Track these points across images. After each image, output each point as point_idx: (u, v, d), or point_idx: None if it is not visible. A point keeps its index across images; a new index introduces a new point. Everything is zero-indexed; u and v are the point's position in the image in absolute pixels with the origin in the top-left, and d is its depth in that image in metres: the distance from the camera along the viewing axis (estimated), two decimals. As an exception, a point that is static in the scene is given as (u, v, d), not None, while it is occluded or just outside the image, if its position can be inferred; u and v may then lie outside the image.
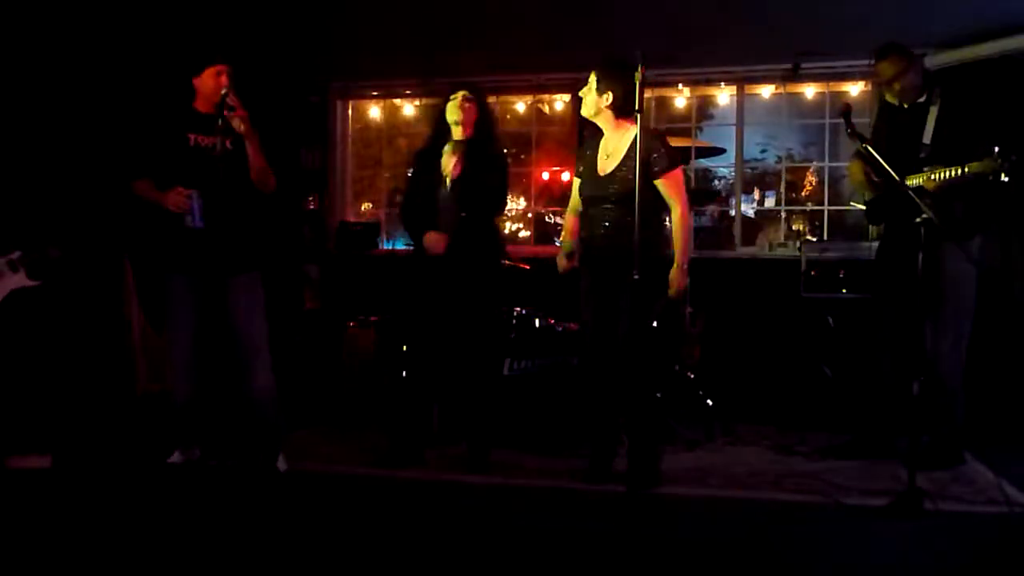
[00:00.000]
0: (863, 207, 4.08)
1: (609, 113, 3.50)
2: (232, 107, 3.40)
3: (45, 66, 5.25)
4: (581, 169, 3.65)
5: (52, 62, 5.25)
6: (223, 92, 3.44)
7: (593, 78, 3.51)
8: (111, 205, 5.13)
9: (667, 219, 3.53)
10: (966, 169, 3.49)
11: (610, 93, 3.46)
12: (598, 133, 3.63)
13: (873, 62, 3.90)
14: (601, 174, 3.53)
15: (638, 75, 3.21)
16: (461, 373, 3.87)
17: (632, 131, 3.46)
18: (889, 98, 3.98)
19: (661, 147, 3.45)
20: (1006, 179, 3.39)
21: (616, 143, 3.52)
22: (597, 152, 3.59)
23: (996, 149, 3.39)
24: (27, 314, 4.49)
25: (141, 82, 5.37)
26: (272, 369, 3.69)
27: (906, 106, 3.89)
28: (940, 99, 3.78)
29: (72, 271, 4.85)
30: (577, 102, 5.78)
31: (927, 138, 3.75)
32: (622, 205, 3.39)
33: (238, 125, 3.42)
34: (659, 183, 3.44)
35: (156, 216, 3.53)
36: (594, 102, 3.50)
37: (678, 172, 3.48)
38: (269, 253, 3.81)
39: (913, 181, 3.63)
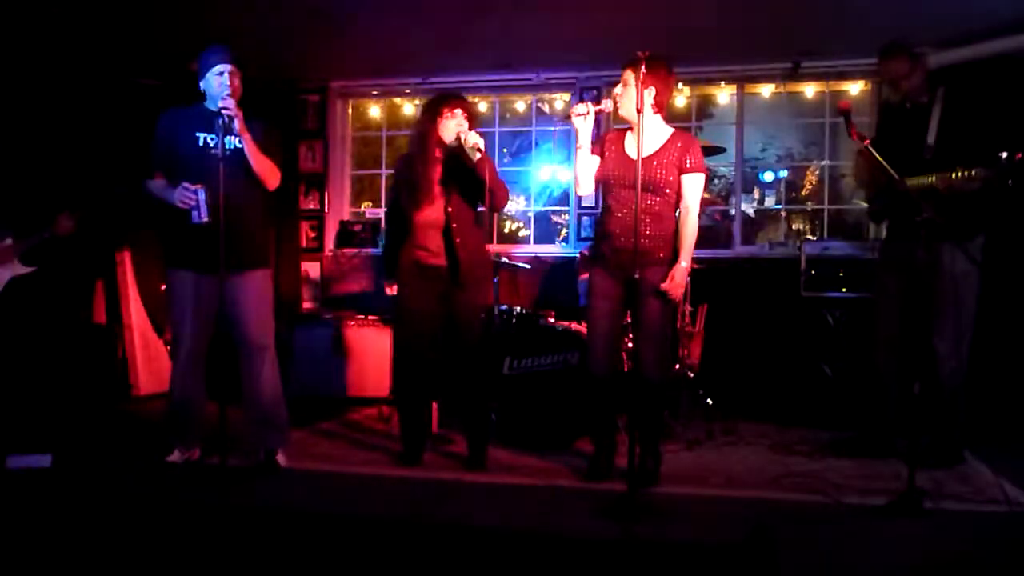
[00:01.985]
0: (865, 204, 4.08)
1: (648, 110, 3.43)
2: (227, 108, 3.41)
3: (49, 64, 5.27)
4: (604, 152, 3.58)
5: (56, 60, 5.27)
6: (227, 94, 3.46)
7: (630, 76, 3.44)
8: (111, 203, 5.16)
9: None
10: (971, 172, 3.49)
11: (653, 88, 3.41)
12: (617, 132, 3.63)
13: (878, 61, 3.89)
14: (632, 159, 3.47)
15: (639, 75, 3.20)
16: (458, 372, 3.86)
17: (667, 128, 3.52)
18: (892, 98, 3.98)
19: (697, 147, 3.50)
20: (1011, 182, 3.39)
21: (651, 136, 3.47)
22: (624, 142, 3.57)
23: (1003, 155, 3.39)
24: (27, 313, 4.50)
25: (147, 84, 5.40)
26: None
27: (908, 105, 3.89)
28: (944, 99, 3.77)
29: (69, 265, 4.86)
30: (577, 102, 5.87)
31: (931, 138, 3.74)
32: (649, 192, 3.39)
33: (232, 126, 3.44)
34: (687, 178, 3.46)
35: (164, 212, 3.55)
36: (635, 99, 3.36)
37: (704, 176, 3.51)
38: (275, 251, 3.82)
39: (924, 180, 3.63)
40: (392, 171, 4.05)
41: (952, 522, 3.07)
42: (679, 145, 3.46)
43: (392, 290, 3.92)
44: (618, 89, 3.51)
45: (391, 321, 3.97)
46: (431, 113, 3.73)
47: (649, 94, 3.43)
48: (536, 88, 6.12)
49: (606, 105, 3.54)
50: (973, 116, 3.74)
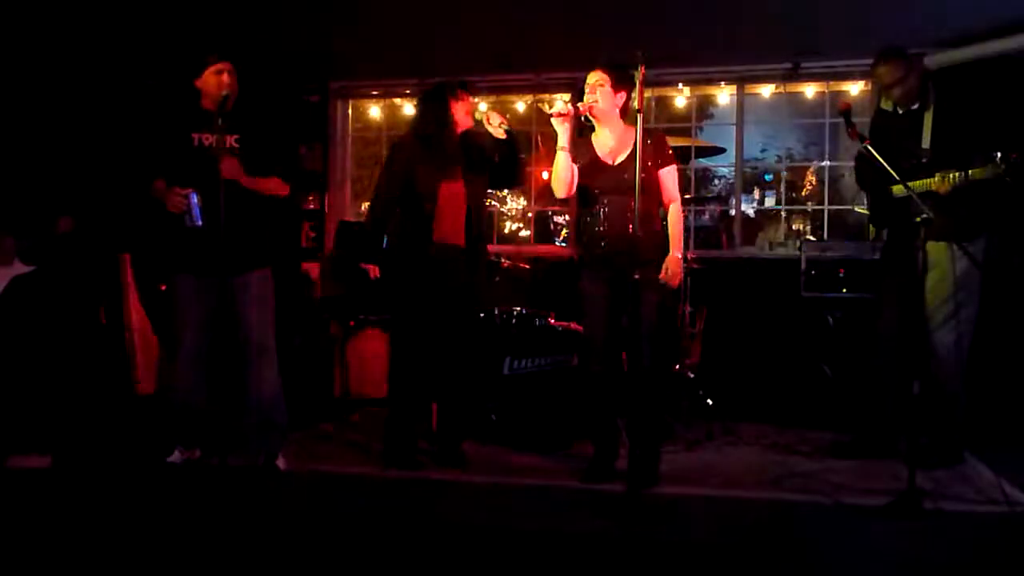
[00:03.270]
0: (866, 212, 4.08)
1: (615, 114, 3.51)
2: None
3: (49, 64, 5.27)
4: (577, 159, 3.59)
5: (56, 60, 5.26)
6: (224, 93, 3.46)
7: (606, 78, 3.47)
8: (110, 204, 5.16)
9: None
10: (969, 174, 3.49)
11: (624, 92, 3.47)
12: (587, 131, 3.64)
13: (873, 66, 3.88)
14: (610, 163, 3.53)
15: (638, 75, 3.21)
16: (449, 370, 3.89)
17: (635, 128, 3.49)
18: (884, 104, 3.98)
19: (665, 141, 3.59)
20: (1009, 180, 3.40)
21: (621, 138, 3.52)
22: (592, 147, 3.59)
23: (998, 154, 3.39)
24: (26, 312, 4.49)
25: (145, 83, 5.40)
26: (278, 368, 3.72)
27: (901, 111, 3.89)
28: (935, 102, 3.77)
29: (69, 264, 4.86)
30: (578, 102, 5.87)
31: (926, 142, 3.74)
32: (634, 195, 3.38)
33: (228, 170, 3.46)
34: (663, 173, 3.52)
35: (162, 217, 3.55)
36: (611, 101, 3.47)
37: (677, 166, 3.60)
38: (276, 250, 3.82)
39: (922, 184, 3.62)
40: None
41: (952, 522, 3.06)
42: (649, 143, 3.47)
43: (376, 271, 3.94)
44: (591, 92, 3.50)
45: (394, 318, 3.93)
46: (445, 96, 3.80)
47: (620, 98, 3.49)
48: (536, 88, 6.11)
49: (582, 106, 3.54)
50: (969, 118, 3.74)
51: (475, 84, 4.10)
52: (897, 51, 3.81)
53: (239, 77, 3.58)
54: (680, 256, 3.49)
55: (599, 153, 3.57)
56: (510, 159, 3.81)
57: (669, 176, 3.55)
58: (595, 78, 3.50)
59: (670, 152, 3.57)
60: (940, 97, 3.79)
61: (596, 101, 3.49)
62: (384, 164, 3.99)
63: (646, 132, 3.52)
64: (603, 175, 3.53)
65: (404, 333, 3.88)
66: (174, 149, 3.56)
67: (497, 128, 3.70)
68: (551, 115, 3.49)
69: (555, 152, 3.52)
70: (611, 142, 3.56)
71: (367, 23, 4.91)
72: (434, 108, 3.84)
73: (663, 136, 3.62)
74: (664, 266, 3.44)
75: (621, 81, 3.48)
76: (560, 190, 3.61)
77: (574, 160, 3.57)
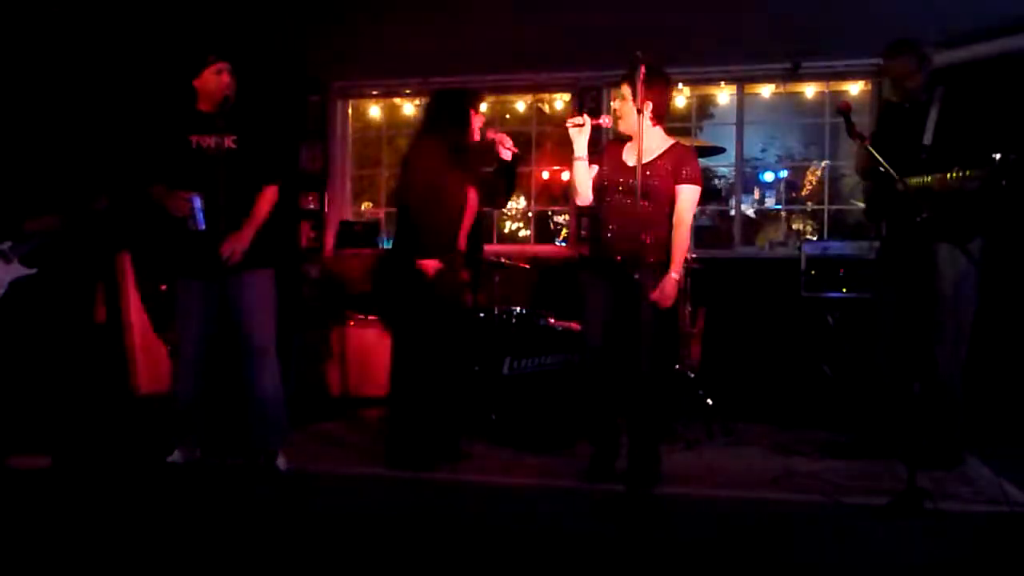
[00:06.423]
0: (862, 204, 4.08)
1: (647, 122, 3.41)
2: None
3: (46, 64, 5.26)
4: (603, 161, 3.60)
5: (54, 60, 5.26)
6: (224, 94, 3.46)
7: (627, 90, 3.44)
8: (110, 205, 5.16)
9: None
10: (967, 172, 3.49)
11: (650, 103, 3.39)
12: (617, 142, 3.64)
13: (884, 58, 3.86)
14: (627, 166, 3.48)
15: (639, 75, 3.21)
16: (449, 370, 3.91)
17: (667, 140, 3.53)
18: (892, 96, 3.98)
19: (694, 160, 3.49)
20: (1005, 183, 3.40)
21: (649, 145, 3.46)
22: (622, 150, 3.57)
23: (997, 156, 3.39)
24: (27, 314, 4.49)
25: (142, 84, 5.40)
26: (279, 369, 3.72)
27: (907, 105, 3.88)
28: (942, 100, 3.77)
29: (69, 266, 4.86)
30: (577, 102, 5.88)
31: (928, 138, 3.74)
32: (646, 199, 3.37)
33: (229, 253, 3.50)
34: (681, 189, 3.45)
35: (163, 219, 3.55)
36: (632, 112, 3.39)
37: (699, 189, 3.49)
38: (277, 249, 3.82)
39: (921, 180, 3.62)
40: (393, 171, 4.09)
41: (952, 522, 3.06)
42: (676, 156, 3.47)
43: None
44: (616, 103, 3.53)
45: (407, 321, 3.90)
46: (466, 105, 3.80)
47: (647, 107, 3.41)
48: (536, 88, 6.12)
49: (604, 120, 3.56)
50: (970, 117, 3.73)
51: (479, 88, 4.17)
52: (910, 44, 3.79)
53: (238, 77, 3.58)
54: (677, 278, 3.40)
55: (624, 158, 3.55)
56: (508, 182, 3.96)
57: (684, 194, 3.44)
58: (620, 91, 3.49)
59: (694, 171, 3.45)
60: (946, 95, 3.78)
61: (620, 117, 3.49)
62: (415, 168, 3.78)
63: (676, 146, 3.52)
64: (617, 177, 3.51)
65: (415, 335, 3.84)
66: (172, 152, 3.56)
67: (506, 150, 3.80)
68: (568, 125, 3.51)
69: (553, 152, 3.53)
70: (638, 148, 3.52)
71: (368, 24, 4.91)
72: (458, 114, 3.80)
73: (689, 152, 3.51)
74: (660, 285, 3.40)
75: (645, 88, 3.33)
76: (578, 198, 3.65)
77: (597, 163, 3.58)
